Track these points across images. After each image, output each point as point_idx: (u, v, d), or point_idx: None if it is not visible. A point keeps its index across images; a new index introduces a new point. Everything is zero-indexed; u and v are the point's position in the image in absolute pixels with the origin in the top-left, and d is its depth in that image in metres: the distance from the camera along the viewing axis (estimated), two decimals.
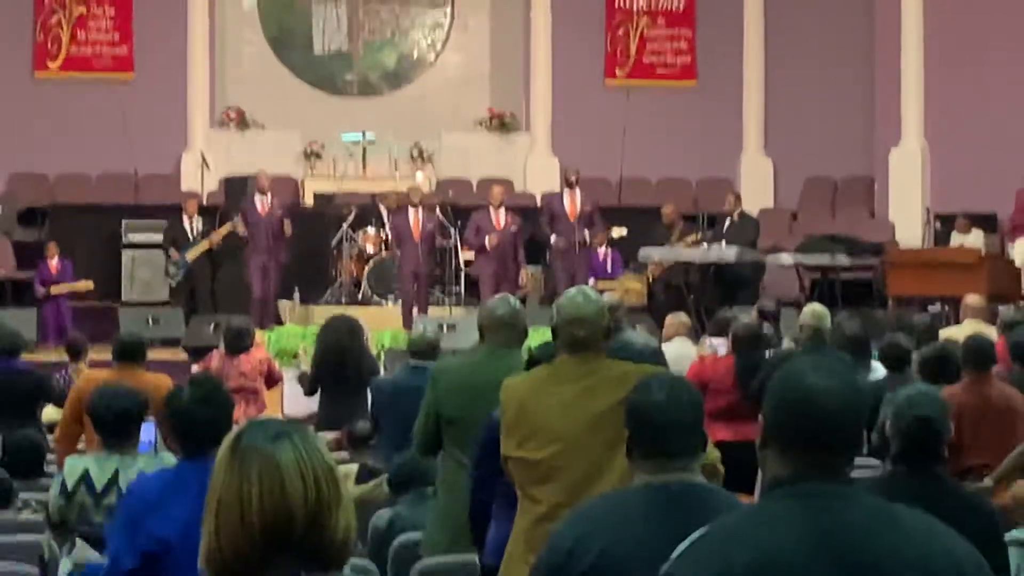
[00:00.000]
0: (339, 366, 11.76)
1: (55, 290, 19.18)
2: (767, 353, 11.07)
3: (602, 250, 19.72)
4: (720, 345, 11.09)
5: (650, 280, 19.38)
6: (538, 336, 12.05)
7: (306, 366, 12.95)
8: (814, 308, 10.76)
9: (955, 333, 11.97)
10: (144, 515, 4.92)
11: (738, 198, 19.88)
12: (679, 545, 2.97)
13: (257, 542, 2.68)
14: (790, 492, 2.95)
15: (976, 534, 3.05)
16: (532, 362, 6.28)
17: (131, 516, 4.99)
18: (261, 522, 2.68)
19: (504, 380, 5.48)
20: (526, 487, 5.22)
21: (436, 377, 6.95)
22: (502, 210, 18.85)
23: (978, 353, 8.47)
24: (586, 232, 18.99)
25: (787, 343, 12.22)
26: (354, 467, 9.21)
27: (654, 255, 19.28)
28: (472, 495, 6.25)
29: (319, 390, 12.05)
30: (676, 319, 13.54)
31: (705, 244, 19.21)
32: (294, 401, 13.47)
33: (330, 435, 10.21)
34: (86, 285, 19.37)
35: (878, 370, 10.46)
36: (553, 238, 18.98)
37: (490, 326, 6.83)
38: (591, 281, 19.23)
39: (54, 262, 19.40)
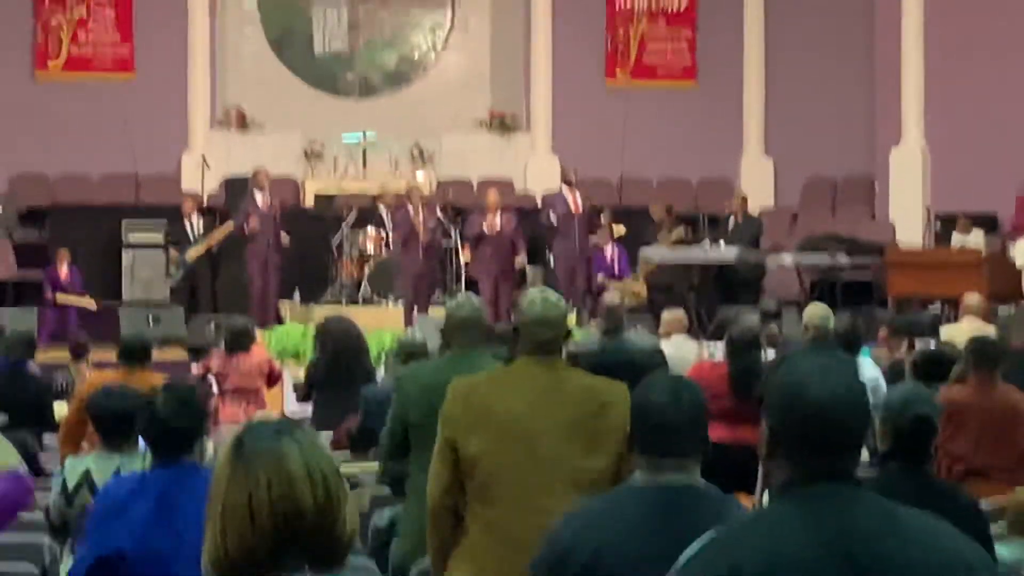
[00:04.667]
0: (336, 366, 11.77)
1: (61, 300, 19.19)
2: (764, 354, 11.09)
3: (609, 249, 19.71)
4: (718, 350, 11.10)
5: (644, 280, 19.39)
6: None
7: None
8: (819, 308, 10.76)
9: (954, 332, 11.98)
10: (105, 519, 4.89)
11: (744, 200, 19.89)
12: (685, 548, 2.98)
13: (267, 543, 2.69)
14: (798, 495, 2.96)
15: (963, 530, 3.06)
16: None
17: (95, 519, 4.96)
18: (272, 523, 2.69)
19: (454, 381, 5.40)
20: (484, 489, 5.15)
21: (402, 383, 6.93)
22: (498, 213, 18.89)
23: (984, 353, 8.44)
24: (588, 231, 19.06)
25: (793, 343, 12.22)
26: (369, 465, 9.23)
27: (654, 256, 19.29)
28: None
29: (315, 390, 12.05)
30: (673, 316, 13.54)
31: (707, 242, 19.23)
32: (295, 400, 13.48)
33: (327, 435, 10.20)
34: (89, 303, 19.36)
35: (867, 368, 10.47)
36: (556, 239, 19.02)
37: (453, 327, 6.75)
38: (599, 278, 19.27)
39: (64, 269, 19.39)
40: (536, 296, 5.41)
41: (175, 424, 5.02)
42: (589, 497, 4.40)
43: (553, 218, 19.14)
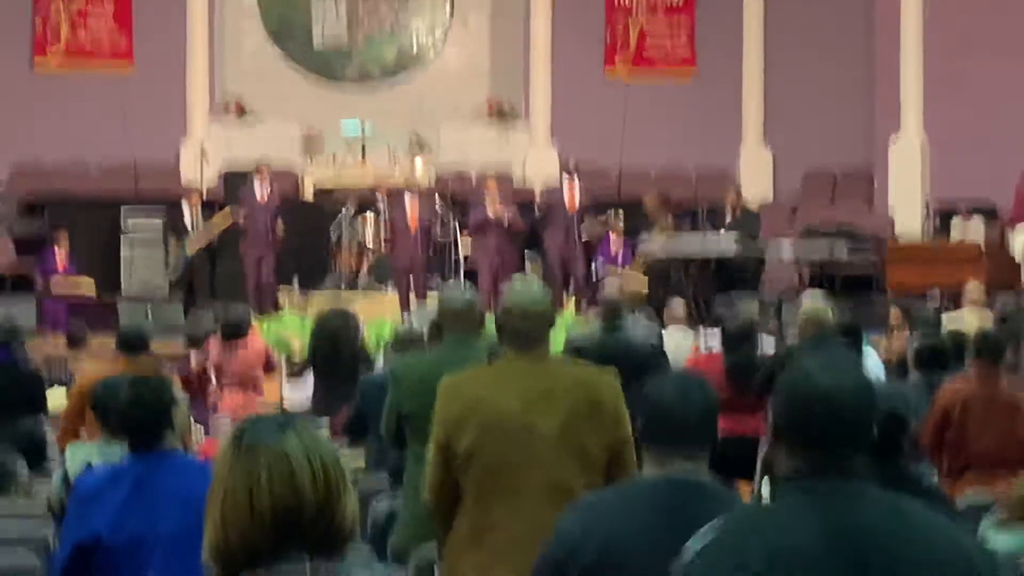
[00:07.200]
0: (334, 354, 11.79)
1: (55, 288, 19.16)
2: (760, 344, 11.13)
3: (614, 238, 19.67)
4: (715, 343, 11.16)
5: (643, 271, 19.37)
6: None
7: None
8: (816, 300, 10.78)
9: (955, 320, 12.00)
10: (81, 507, 4.99)
11: (739, 194, 19.88)
12: (691, 539, 2.98)
13: (268, 533, 2.71)
14: (803, 488, 2.97)
15: None
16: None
17: (71, 509, 5.08)
18: (272, 514, 2.70)
19: (444, 380, 5.35)
20: (481, 487, 5.12)
21: (396, 374, 6.94)
22: (498, 202, 18.88)
23: (988, 346, 8.46)
24: (583, 225, 19.03)
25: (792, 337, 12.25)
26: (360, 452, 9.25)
27: (653, 248, 19.27)
28: None
29: (314, 378, 12.07)
30: (673, 307, 13.58)
31: (704, 234, 19.21)
32: (293, 390, 13.49)
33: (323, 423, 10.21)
34: (88, 282, 19.34)
35: (869, 361, 10.48)
36: (547, 231, 19.03)
37: (447, 317, 6.78)
38: (603, 267, 19.24)
39: (62, 254, 19.35)
40: (518, 288, 5.36)
41: (137, 417, 5.13)
42: (599, 490, 4.38)
43: (537, 210, 19.17)
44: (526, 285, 5.39)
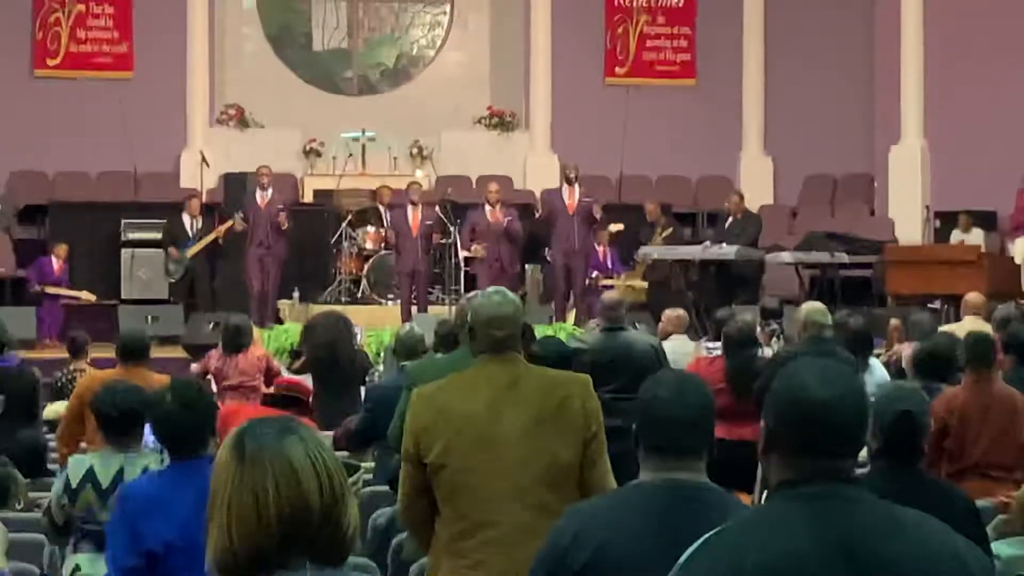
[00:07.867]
0: (332, 361, 11.75)
1: (52, 291, 19.14)
2: (760, 351, 11.12)
3: (601, 248, 19.71)
4: (716, 348, 11.14)
5: (643, 277, 19.39)
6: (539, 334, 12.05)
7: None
8: (813, 306, 10.77)
9: (955, 330, 11.98)
10: (145, 516, 4.98)
11: (741, 197, 19.89)
12: (687, 547, 2.98)
13: (274, 540, 2.69)
14: (796, 495, 2.96)
15: (958, 528, 3.07)
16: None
17: (132, 517, 5.04)
18: (279, 520, 2.69)
19: (416, 389, 5.38)
20: (452, 495, 5.11)
21: (412, 379, 6.94)
22: (498, 207, 18.87)
23: (979, 352, 8.45)
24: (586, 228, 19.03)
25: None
26: (370, 465, 9.24)
27: (653, 253, 19.28)
28: None
29: (313, 386, 12.05)
30: (673, 315, 13.56)
31: (707, 242, 19.23)
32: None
33: (328, 434, 10.20)
34: (88, 297, 19.33)
35: (876, 369, 10.48)
36: (552, 237, 19.01)
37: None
38: (593, 275, 19.25)
39: (59, 263, 19.33)
40: (488, 295, 5.39)
41: (184, 425, 5.15)
42: (598, 497, 4.36)
43: (538, 215, 19.15)
44: (496, 291, 5.41)
